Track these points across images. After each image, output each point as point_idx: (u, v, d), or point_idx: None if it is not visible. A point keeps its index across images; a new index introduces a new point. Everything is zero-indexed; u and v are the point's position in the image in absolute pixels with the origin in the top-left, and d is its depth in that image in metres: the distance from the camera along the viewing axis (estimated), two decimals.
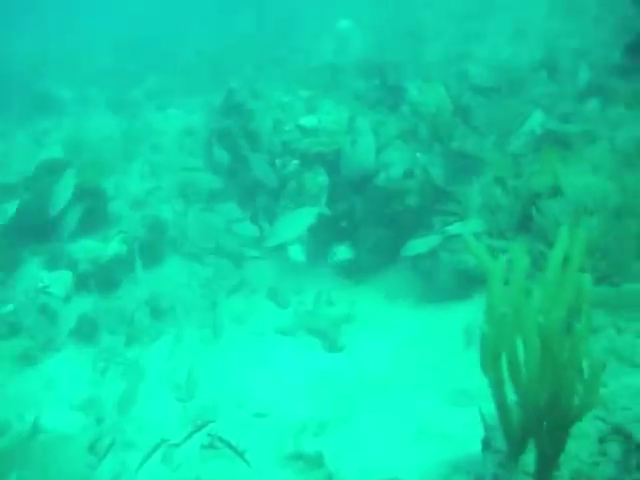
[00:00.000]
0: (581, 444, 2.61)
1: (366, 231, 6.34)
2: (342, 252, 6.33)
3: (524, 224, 5.66)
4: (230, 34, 15.22)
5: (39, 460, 4.46)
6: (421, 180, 6.11)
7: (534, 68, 9.23)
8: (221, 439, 4.46)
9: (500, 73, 9.35)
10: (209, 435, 4.54)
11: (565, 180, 5.39)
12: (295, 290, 6.52)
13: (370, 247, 6.30)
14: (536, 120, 6.86)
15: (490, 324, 2.54)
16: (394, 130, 6.71)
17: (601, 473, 2.49)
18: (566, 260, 2.60)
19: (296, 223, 5.14)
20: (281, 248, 6.35)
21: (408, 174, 6.19)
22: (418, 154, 6.39)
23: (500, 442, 2.75)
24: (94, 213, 6.86)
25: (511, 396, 2.62)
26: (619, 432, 2.61)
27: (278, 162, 6.75)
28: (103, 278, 6.44)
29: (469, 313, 5.38)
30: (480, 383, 2.70)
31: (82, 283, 6.43)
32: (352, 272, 6.44)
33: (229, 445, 4.38)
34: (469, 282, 5.57)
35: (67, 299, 6.32)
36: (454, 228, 5.41)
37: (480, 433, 2.96)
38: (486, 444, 2.87)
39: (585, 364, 2.39)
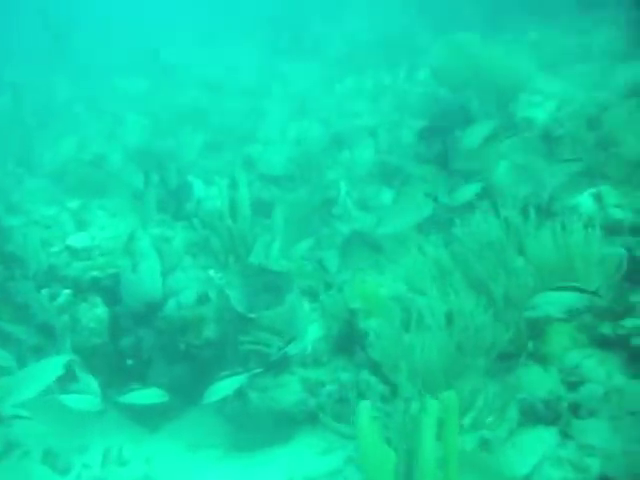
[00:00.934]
0: None
1: (159, 369, 5.40)
2: (135, 395, 5.32)
3: (342, 346, 5.10)
4: None
5: None
6: (218, 305, 5.31)
7: (327, 147, 8.93)
8: None
9: (292, 155, 8.93)
10: None
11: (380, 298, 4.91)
12: (79, 448, 5.39)
13: (165, 388, 5.34)
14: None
15: None
16: (181, 244, 5.88)
17: None
18: None
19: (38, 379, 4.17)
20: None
21: (202, 299, 5.38)
22: (212, 272, 5.61)
23: None
24: None
25: None
26: None
27: (45, 292, 5.63)
28: None
29: (291, 462, 4.65)
30: None
31: None
32: (147, 417, 5.44)
33: None
34: (288, 423, 4.85)
35: None
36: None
37: None
38: None
39: None
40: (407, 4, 15.12)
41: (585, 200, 4.93)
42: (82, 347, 5.38)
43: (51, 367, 4.28)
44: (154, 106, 11.90)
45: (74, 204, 6.43)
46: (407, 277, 4.99)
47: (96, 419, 5.51)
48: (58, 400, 4.52)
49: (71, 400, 4.66)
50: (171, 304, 5.32)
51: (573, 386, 3.91)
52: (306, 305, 5.40)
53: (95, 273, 5.61)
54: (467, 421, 3.73)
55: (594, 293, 3.77)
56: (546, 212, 4.88)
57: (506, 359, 4.19)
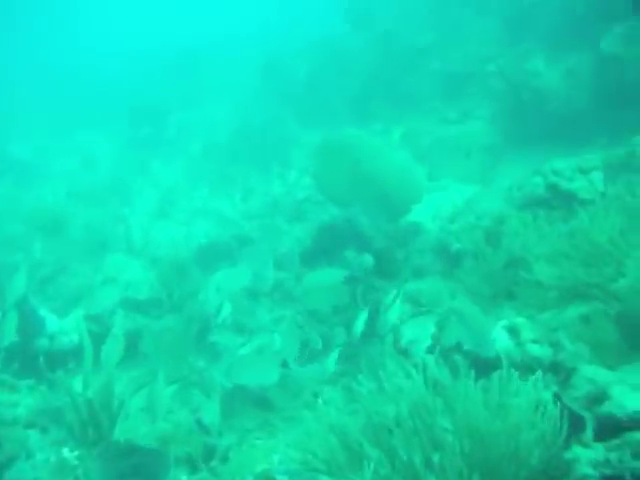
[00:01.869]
0: None
1: None
2: None
3: None
4: None
5: None
6: None
7: (198, 260, 8.05)
8: None
9: (160, 272, 7.97)
10: None
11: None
12: None
13: None
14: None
15: None
16: (26, 413, 4.79)
17: None
18: None
19: None
20: None
21: None
22: (66, 451, 4.54)
23: None
24: None
25: None
26: None
27: None
28: None
29: None
30: None
31: None
32: None
33: None
34: None
35: None
36: None
37: None
38: None
39: None
40: (269, 92, 14.76)
41: (500, 335, 4.37)
42: None
43: None
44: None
45: None
46: (305, 443, 4.17)
47: None
48: None
49: None
50: None
51: None
52: None
53: None
54: None
55: None
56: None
57: None
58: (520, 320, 4.31)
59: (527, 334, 4.19)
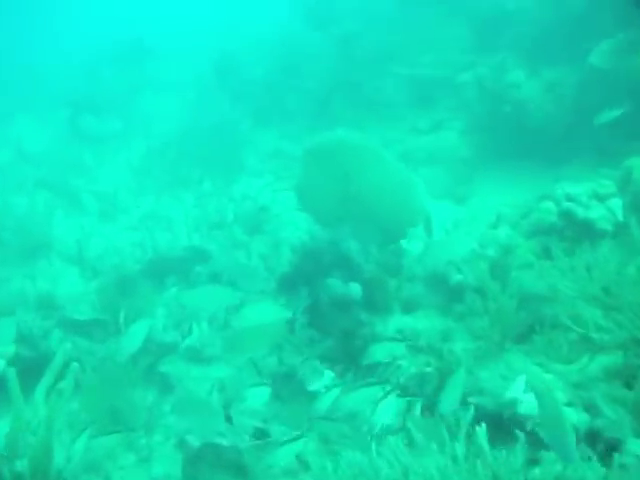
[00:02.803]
0: None
1: None
2: None
3: None
4: None
5: None
6: None
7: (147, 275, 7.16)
8: None
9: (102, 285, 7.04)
10: None
11: None
12: None
13: None
14: None
15: None
16: None
17: None
18: None
19: None
20: None
21: None
22: None
23: None
24: None
25: None
26: None
27: None
28: None
29: None
30: None
31: None
32: None
33: None
34: None
35: None
36: None
37: None
38: None
39: None
40: (222, 89, 13.82)
41: (523, 395, 3.70)
42: None
43: None
44: None
45: None
46: None
47: None
48: None
49: None
50: None
51: None
52: None
53: None
54: None
55: None
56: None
57: None
58: (548, 377, 3.65)
59: (559, 394, 3.53)
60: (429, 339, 4.33)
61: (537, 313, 4.21)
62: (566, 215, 4.89)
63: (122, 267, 7.30)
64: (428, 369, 4.04)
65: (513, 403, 3.69)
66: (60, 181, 11.21)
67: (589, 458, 3.12)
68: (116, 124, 13.59)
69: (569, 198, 4.96)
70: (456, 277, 4.71)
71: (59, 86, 15.62)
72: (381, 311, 4.62)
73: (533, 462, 3.20)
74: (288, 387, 4.70)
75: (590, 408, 3.47)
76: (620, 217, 4.74)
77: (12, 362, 5.36)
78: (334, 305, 4.64)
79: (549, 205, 4.94)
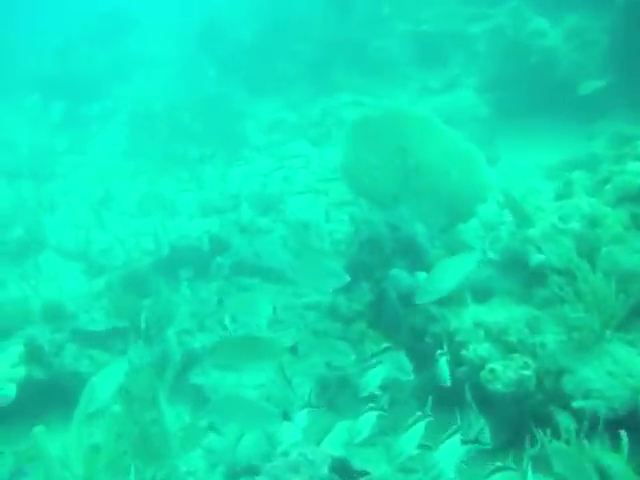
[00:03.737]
0: None
1: None
2: None
3: None
4: None
5: None
6: None
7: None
8: None
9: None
10: None
11: None
12: None
13: None
14: None
15: None
16: None
17: None
18: None
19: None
20: None
21: None
22: None
23: None
24: None
25: None
26: None
27: None
28: None
29: None
30: None
31: None
32: None
33: None
34: None
35: None
36: None
37: None
38: None
39: None
40: (210, 60, 12.89)
41: None
42: None
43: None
44: None
45: None
46: None
47: None
48: None
49: None
50: None
51: None
52: None
53: None
54: None
55: None
56: None
57: None
58: None
59: None
60: (519, 333, 3.72)
61: (639, 294, 3.61)
62: None
63: (130, 261, 6.62)
64: (526, 372, 3.46)
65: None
66: (46, 166, 10.42)
67: None
68: (98, 104, 12.68)
69: None
70: (537, 257, 4.07)
71: (35, 67, 14.55)
72: (452, 302, 4.01)
73: None
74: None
75: None
76: None
77: (23, 386, 4.74)
78: (401, 300, 4.03)
79: (636, 166, 4.27)
